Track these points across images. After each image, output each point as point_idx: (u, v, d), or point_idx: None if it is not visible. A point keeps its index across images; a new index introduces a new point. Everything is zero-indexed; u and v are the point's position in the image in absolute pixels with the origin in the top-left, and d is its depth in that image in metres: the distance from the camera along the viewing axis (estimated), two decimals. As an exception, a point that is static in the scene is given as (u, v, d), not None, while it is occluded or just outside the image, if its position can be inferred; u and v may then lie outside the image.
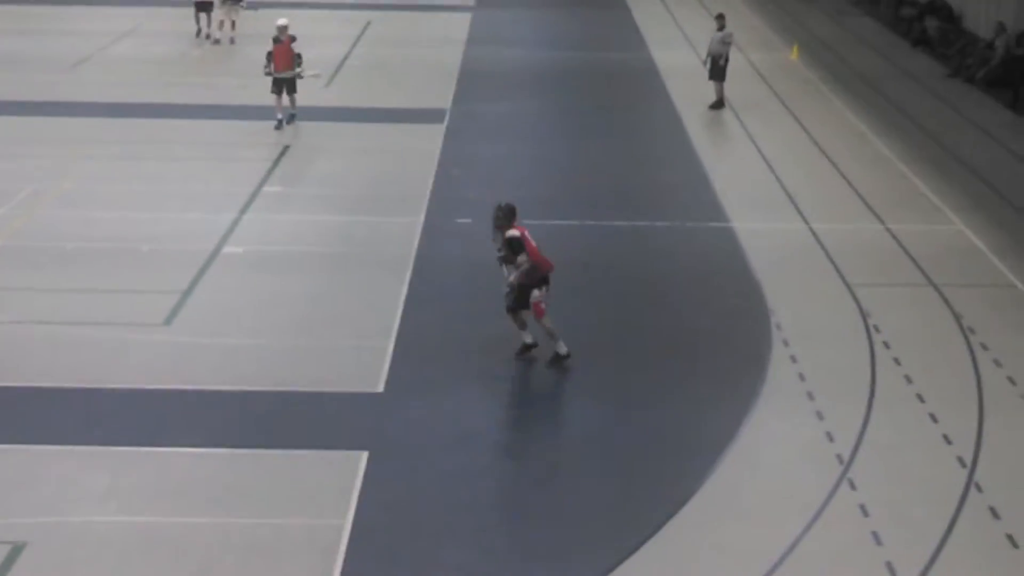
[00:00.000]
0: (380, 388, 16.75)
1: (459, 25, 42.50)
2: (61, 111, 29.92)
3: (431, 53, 38.13)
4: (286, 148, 27.30)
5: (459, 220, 23.24)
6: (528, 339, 17.73)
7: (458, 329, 18.71)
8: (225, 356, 17.58)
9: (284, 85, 28.63)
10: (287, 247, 21.79)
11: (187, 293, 19.62)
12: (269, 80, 28.73)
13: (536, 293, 17.41)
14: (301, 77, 28.78)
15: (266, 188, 24.65)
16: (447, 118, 30.42)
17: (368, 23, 42.41)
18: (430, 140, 28.40)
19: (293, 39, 28.68)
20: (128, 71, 34.49)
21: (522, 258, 17.32)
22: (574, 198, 25.01)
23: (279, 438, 15.43)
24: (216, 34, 38.03)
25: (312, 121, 29.65)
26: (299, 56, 28.63)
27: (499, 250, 17.61)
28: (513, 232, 17.38)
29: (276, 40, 28.66)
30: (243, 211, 23.28)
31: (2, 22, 41.21)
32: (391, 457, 15.01)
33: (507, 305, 17.68)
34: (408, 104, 31.83)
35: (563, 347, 17.58)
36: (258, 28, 38.89)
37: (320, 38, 39.81)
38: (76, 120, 29.28)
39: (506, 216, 17.46)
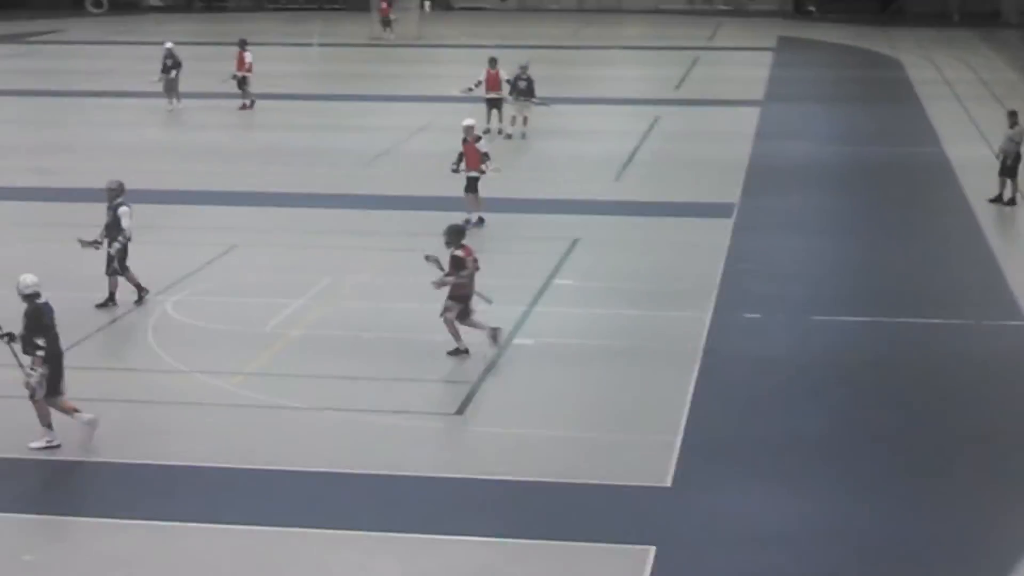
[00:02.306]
0: (668, 483, 16.67)
1: (748, 119, 42.41)
2: (357, 204, 30.80)
3: (719, 148, 38.12)
4: (575, 241, 27.55)
5: (748, 315, 23.09)
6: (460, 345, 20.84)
7: (748, 426, 18.53)
8: (515, 446, 17.75)
9: (474, 185, 28.81)
10: (576, 340, 21.95)
11: (478, 383, 19.90)
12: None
13: (450, 303, 20.81)
14: (484, 172, 28.68)
15: (556, 280, 24.91)
16: (735, 212, 30.33)
17: (656, 118, 42.64)
18: (718, 234, 28.33)
19: (478, 139, 28.89)
20: (421, 165, 35.33)
21: (463, 274, 20.73)
22: (865, 294, 24.62)
23: (567, 530, 15.47)
24: (508, 129, 38.72)
25: (600, 215, 29.92)
26: (486, 155, 28.64)
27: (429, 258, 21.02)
28: (458, 252, 20.83)
29: (464, 140, 28.82)
30: (533, 303, 23.56)
31: (308, 117, 42.70)
32: (679, 553, 14.90)
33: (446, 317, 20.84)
34: (696, 198, 31.85)
35: (462, 345, 20.82)
36: (550, 124, 39.56)
37: (609, 133, 40.33)
38: (370, 213, 30.09)
39: (455, 236, 20.98)
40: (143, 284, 23.43)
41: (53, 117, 44.53)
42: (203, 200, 31.19)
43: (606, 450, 17.69)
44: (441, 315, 21.01)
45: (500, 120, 39.01)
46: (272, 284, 24.64)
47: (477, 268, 21.25)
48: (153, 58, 50.93)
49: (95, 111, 45.04)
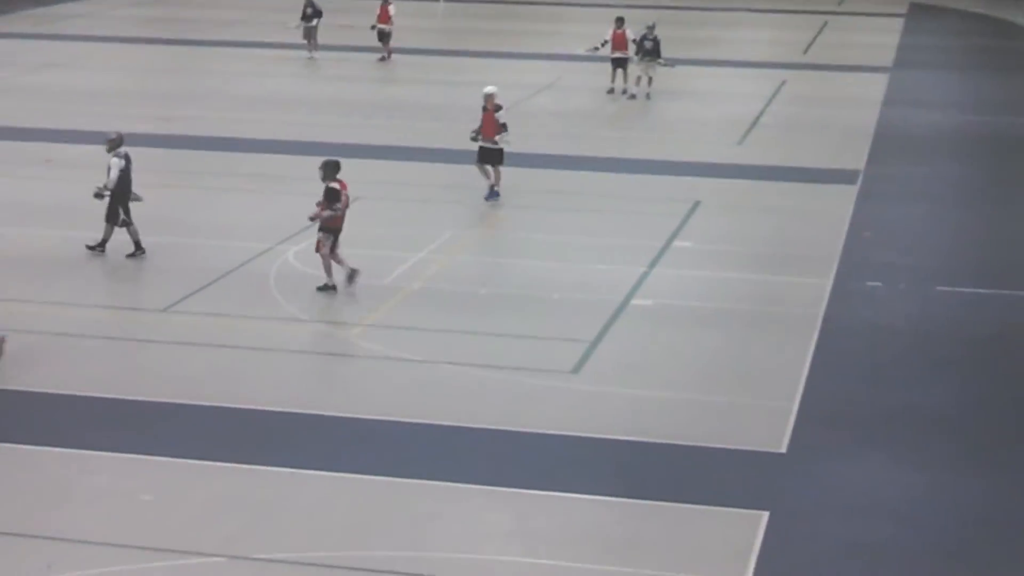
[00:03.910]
0: (783, 449, 16.60)
1: (876, 86, 41.86)
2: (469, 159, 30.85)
3: (846, 113, 37.69)
4: (696, 203, 27.42)
5: (870, 283, 22.88)
6: (330, 281, 21.65)
7: (866, 394, 18.38)
8: (630, 406, 17.76)
9: (490, 156, 27.51)
10: (694, 302, 21.89)
11: (595, 343, 19.92)
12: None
13: (321, 235, 21.58)
14: (496, 144, 27.28)
15: (676, 243, 24.83)
16: (860, 180, 30.01)
17: (783, 82, 42.26)
18: (841, 201, 28.05)
19: (498, 108, 27.49)
20: (544, 123, 35.32)
21: (337, 206, 21.53)
22: (989, 265, 24.27)
23: (680, 492, 15.46)
24: (633, 89, 38.56)
25: (723, 178, 29.75)
26: (504, 125, 27.28)
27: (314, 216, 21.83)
28: (333, 184, 21.58)
29: (484, 108, 27.63)
30: (652, 264, 23.51)
31: (435, 73, 42.83)
32: (792, 520, 14.83)
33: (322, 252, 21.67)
34: (820, 164, 31.52)
35: (331, 281, 21.65)
36: (675, 85, 39.35)
37: (734, 95, 40.00)
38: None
39: (331, 170, 21.76)
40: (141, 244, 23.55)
41: (180, 65, 45.03)
42: (329, 152, 31.27)
43: (721, 414, 17.64)
44: (317, 250, 21.75)
45: (625, 80, 38.87)
46: (394, 237, 24.81)
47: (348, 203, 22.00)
48: (283, 9, 51.44)
49: (223, 60, 45.54)
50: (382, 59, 44.54)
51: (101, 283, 22.64)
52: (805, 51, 49.71)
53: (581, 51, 41.47)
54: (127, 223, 23.28)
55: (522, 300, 21.72)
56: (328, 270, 21.72)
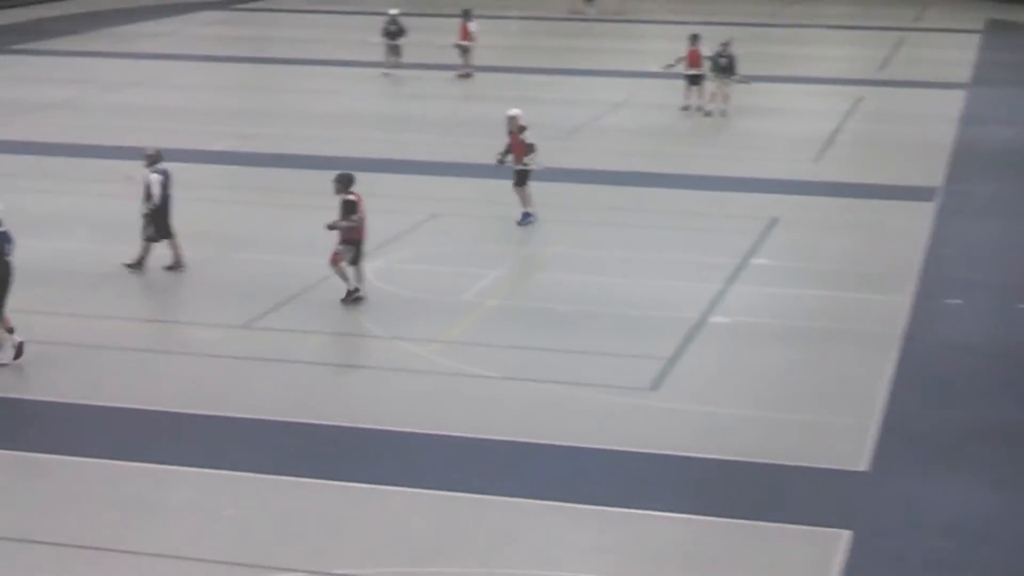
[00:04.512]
0: (863, 467, 16.48)
1: (953, 103, 41.56)
2: (556, 177, 30.87)
3: (923, 130, 37.46)
4: (774, 220, 27.31)
5: (948, 301, 22.71)
6: (350, 286, 21.86)
7: (947, 412, 18.21)
8: (709, 424, 17.70)
9: (523, 178, 27.10)
10: (772, 319, 21.81)
11: (673, 360, 19.87)
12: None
13: (340, 247, 21.77)
14: (527, 166, 26.84)
15: (753, 260, 24.74)
16: (938, 196, 29.79)
17: (860, 98, 42.05)
18: (920, 218, 27.87)
19: (523, 129, 26.98)
20: (619, 141, 35.35)
21: (354, 218, 21.80)
22: (1073, 284, 24.06)
23: (759, 510, 15.38)
24: (708, 106, 38.49)
25: (800, 195, 29.63)
26: (531, 146, 26.83)
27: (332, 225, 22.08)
28: (349, 196, 21.84)
29: (509, 131, 27.14)
30: (729, 281, 23.44)
31: (511, 90, 42.89)
32: (875, 539, 14.70)
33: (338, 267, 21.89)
34: (898, 181, 31.31)
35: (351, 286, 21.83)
36: (750, 102, 39.23)
37: (810, 112, 39.89)
38: (569, 186, 30.16)
39: (345, 182, 22.02)
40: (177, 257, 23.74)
41: (260, 83, 45.45)
42: (406, 169, 31.56)
43: (801, 431, 17.55)
44: (332, 263, 21.91)
45: (700, 97, 38.80)
46: (470, 254, 24.90)
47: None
48: (362, 28, 51.86)
49: (302, 78, 45.84)
50: (462, 76, 44.74)
51: (179, 299, 22.84)
52: (881, 67, 49.45)
53: (656, 68, 41.44)
54: (152, 239, 23.47)
55: (599, 317, 21.71)
56: (345, 277, 21.95)
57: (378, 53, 45.85)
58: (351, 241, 22.00)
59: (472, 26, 44.71)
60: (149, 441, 17.03)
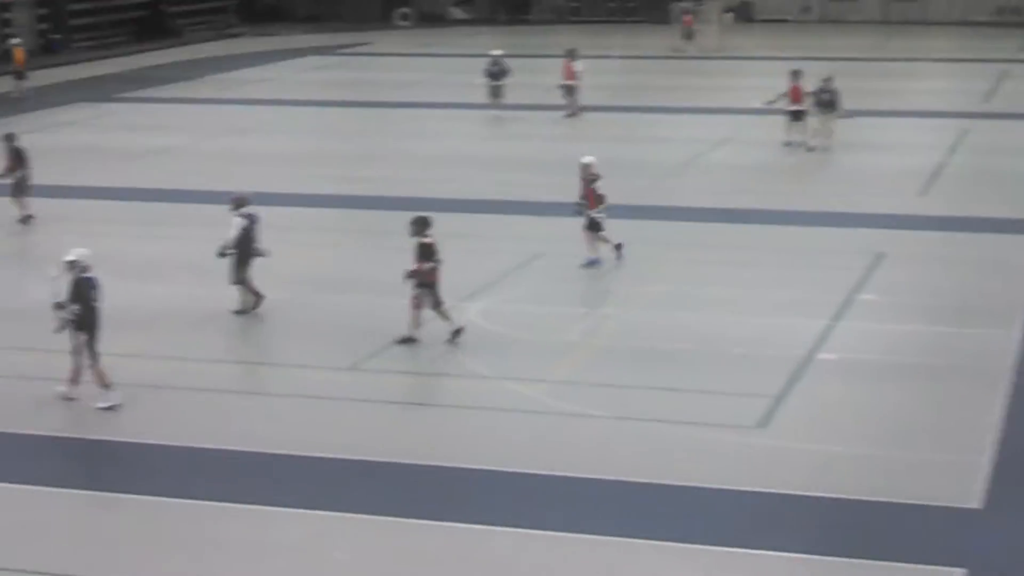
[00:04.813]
0: (976, 504, 16.28)
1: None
2: (659, 215, 30.92)
3: (1034, 162, 37.06)
4: (880, 256, 27.12)
5: (1063, 335, 22.43)
6: (413, 333, 21.96)
7: (1061, 449, 17.99)
8: (818, 462, 17.58)
9: (596, 225, 26.71)
10: (881, 356, 21.64)
11: (780, 397, 19.77)
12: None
13: (418, 291, 21.82)
14: (594, 216, 26.56)
15: (860, 295, 24.56)
16: (1047, 230, 29.46)
17: (965, 131, 41.63)
18: (1032, 251, 27.60)
19: (595, 178, 26.74)
20: (722, 177, 35.29)
21: (428, 265, 21.79)
22: None
23: (871, 548, 15.24)
24: (811, 142, 38.31)
25: (906, 230, 29.38)
26: (601, 197, 26.55)
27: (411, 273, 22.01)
28: (426, 240, 21.87)
29: (582, 179, 26.92)
30: (836, 318, 23.28)
31: (609, 128, 42.98)
32: (990, 577, 14.58)
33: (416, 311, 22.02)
34: (1006, 214, 30.93)
35: (416, 333, 21.99)
36: (854, 137, 39.00)
37: (914, 146, 39.58)
38: (672, 224, 30.16)
39: (420, 226, 22.10)
40: (259, 293, 23.91)
41: (364, 127, 45.83)
42: (510, 209, 31.68)
43: (912, 469, 17.38)
44: (416, 307, 21.97)
45: (803, 133, 38.62)
46: (575, 293, 24.96)
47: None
48: (464, 70, 52.19)
49: (406, 121, 46.21)
50: (569, 115, 44.88)
51: (287, 341, 23.01)
52: (986, 100, 48.97)
53: (758, 104, 41.33)
54: (240, 281, 23.68)
55: (704, 355, 21.65)
56: (415, 323, 22.01)
57: (481, 95, 46.12)
58: (427, 285, 22.03)
59: (577, 66, 44.84)
60: (259, 483, 17.20)
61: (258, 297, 23.83)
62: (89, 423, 19.30)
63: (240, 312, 23.72)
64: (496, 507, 16.44)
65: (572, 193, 31.38)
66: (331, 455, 17.98)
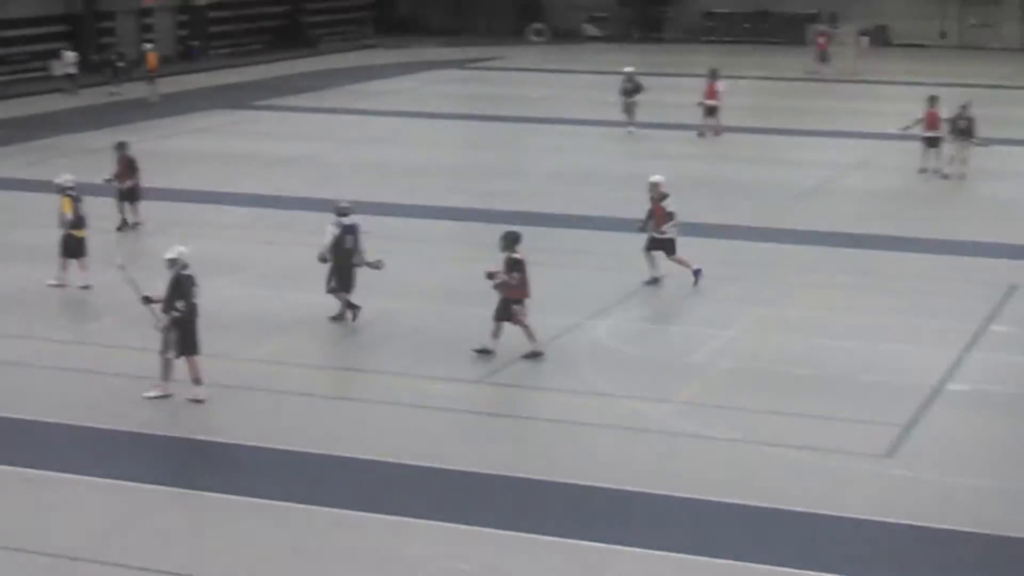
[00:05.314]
0: (1109, 542, 16.02)
1: None
2: (790, 238, 30.71)
3: None
4: (1013, 287, 26.71)
5: None
6: (491, 346, 22.20)
7: None
8: (946, 493, 17.36)
9: (660, 245, 26.54)
10: (1012, 388, 21.33)
11: (909, 426, 19.54)
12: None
13: (516, 308, 22.08)
14: (664, 233, 26.39)
15: (992, 326, 24.22)
16: None
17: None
18: None
19: (664, 196, 26.54)
20: (855, 203, 34.97)
21: (515, 276, 21.94)
22: None
23: (999, 584, 15.08)
24: (946, 169, 37.85)
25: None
26: (671, 215, 26.41)
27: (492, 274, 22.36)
28: (516, 255, 22.13)
29: (651, 198, 26.71)
30: (967, 348, 22.98)
31: (742, 150, 42.81)
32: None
33: (494, 316, 22.25)
34: None
35: (537, 346, 22.15)
36: (991, 165, 38.50)
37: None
38: (803, 248, 29.94)
39: (511, 241, 22.38)
40: (353, 304, 24.07)
41: (495, 141, 46.03)
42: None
43: (1041, 504, 17.14)
44: (515, 322, 22.16)
45: (938, 160, 38.17)
46: (702, 314, 24.86)
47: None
48: (591, 86, 52.23)
49: (536, 136, 46.36)
50: (703, 135, 44.74)
51: (413, 353, 23.04)
52: None
53: (893, 130, 40.94)
54: (335, 290, 23.90)
55: (832, 381, 21.47)
56: (532, 336, 22.17)
57: (613, 111, 46.13)
58: (518, 300, 22.21)
59: (720, 85, 44.72)
60: (390, 493, 17.35)
61: (352, 308, 24.04)
62: (189, 421, 19.73)
63: (336, 319, 24.06)
64: (620, 526, 16.40)
65: (703, 214, 31.31)
66: (453, 467, 18.08)
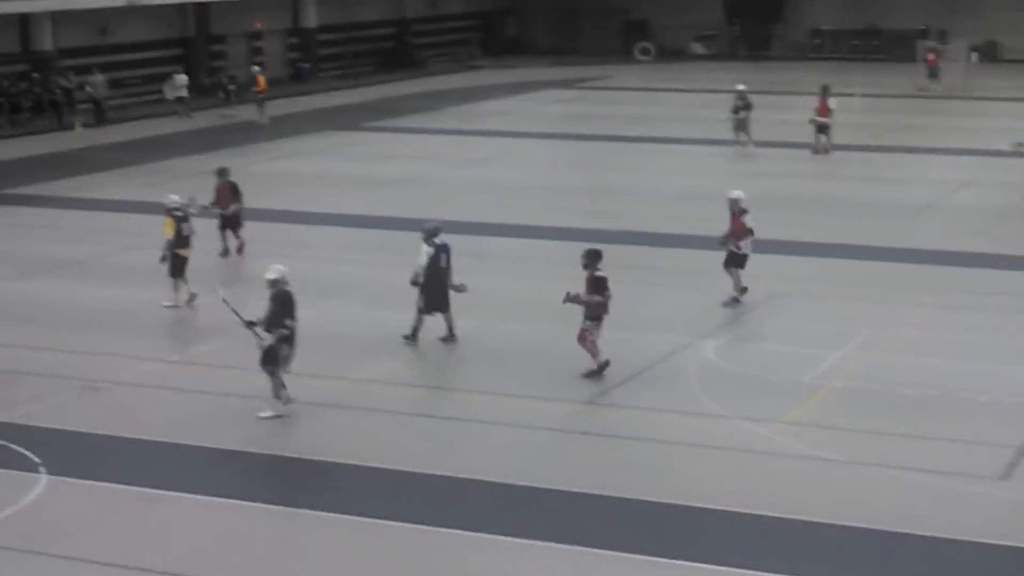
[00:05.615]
0: None
1: None
2: (899, 257, 30.45)
3: None
4: None
5: None
6: (601, 359, 22.08)
7: None
8: (1061, 517, 17.17)
9: (737, 260, 26.48)
10: None
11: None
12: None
13: (587, 323, 21.94)
14: (739, 249, 26.33)
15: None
16: None
17: None
18: None
19: (744, 212, 26.37)
20: (966, 220, 34.61)
21: (595, 298, 21.85)
22: None
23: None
24: (1059, 187, 37.41)
25: None
26: (749, 230, 26.26)
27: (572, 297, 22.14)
28: (600, 273, 21.87)
29: (732, 213, 26.62)
30: (1082, 368, 22.70)
31: (851, 168, 42.51)
32: None
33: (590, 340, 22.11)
34: None
35: (601, 361, 22.05)
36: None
37: None
38: (914, 267, 29.68)
39: (593, 259, 22.11)
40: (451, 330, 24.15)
41: (604, 160, 46.07)
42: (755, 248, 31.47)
43: None
44: (580, 341, 22.14)
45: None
46: (812, 334, 24.70)
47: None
48: (699, 105, 52.10)
49: (646, 155, 46.32)
50: (816, 152, 44.50)
51: (521, 374, 22.99)
52: None
53: (1004, 147, 40.48)
54: (424, 311, 23.92)
55: (944, 401, 21.27)
56: (595, 354, 22.12)
57: (723, 130, 46.03)
58: (598, 318, 22.11)
59: (832, 103, 44.48)
60: (497, 513, 17.43)
61: (451, 335, 24.16)
62: (296, 440, 19.98)
63: (445, 340, 24.14)
64: (723, 548, 16.33)
65: (813, 232, 31.17)
66: (558, 487, 18.12)
